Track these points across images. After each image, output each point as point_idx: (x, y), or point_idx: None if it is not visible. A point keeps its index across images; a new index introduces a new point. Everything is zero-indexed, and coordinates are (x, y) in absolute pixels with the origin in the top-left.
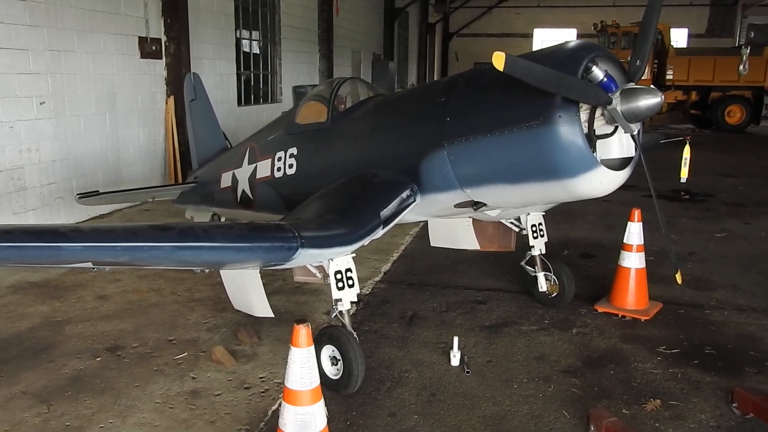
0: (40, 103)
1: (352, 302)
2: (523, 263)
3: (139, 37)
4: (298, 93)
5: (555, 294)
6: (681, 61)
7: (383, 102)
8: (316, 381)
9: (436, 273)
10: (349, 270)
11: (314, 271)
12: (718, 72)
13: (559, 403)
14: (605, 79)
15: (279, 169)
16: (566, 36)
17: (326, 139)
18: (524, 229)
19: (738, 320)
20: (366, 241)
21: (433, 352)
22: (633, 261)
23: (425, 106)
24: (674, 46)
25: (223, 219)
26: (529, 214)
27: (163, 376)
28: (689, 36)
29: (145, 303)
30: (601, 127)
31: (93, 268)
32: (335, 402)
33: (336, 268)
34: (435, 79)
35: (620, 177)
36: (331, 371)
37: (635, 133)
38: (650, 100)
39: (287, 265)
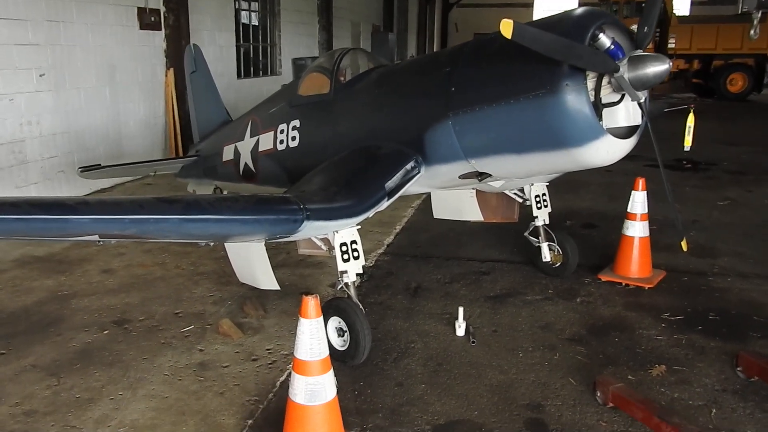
0: (40, 75)
1: (357, 274)
2: (526, 234)
3: (138, 8)
4: (298, 65)
5: (558, 264)
6: (683, 29)
7: (386, 73)
8: (326, 351)
9: (439, 245)
10: (354, 242)
11: (319, 243)
12: (721, 40)
13: (565, 370)
14: (612, 47)
15: (282, 141)
16: (568, 4)
17: (329, 111)
18: (528, 200)
19: (741, 286)
20: (371, 213)
21: (438, 323)
22: (637, 230)
23: (429, 77)
24: (676, 14)
25: (225, 192)
26: (533, 184)
27: (171, 348)
28: (692, 3)
29: (151, 277)
30: (607, 95)
31: (99, 241)
32: (342, 373)
33: (341, 240)
34: (434, 51)
35: (627, 145)
36: (338, 342)
37: (642, 101)
38: (658, 67)
39: (292, 238)
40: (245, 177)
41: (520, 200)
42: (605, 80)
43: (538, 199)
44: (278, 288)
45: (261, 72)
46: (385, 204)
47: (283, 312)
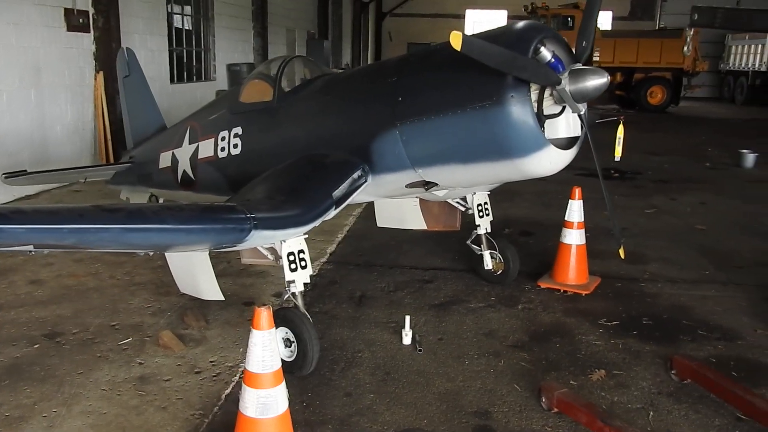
0: None
1: (305, 284)
2: (468, 242)
3: (65, 9)
4: (233, 71)
5: (500, 272)
6: (607, 43)
7: (332, 81)
8: (278, 363)
9: (382, 253)
10: (301, 251)
11: (265, 252)
12: (642, 54)
13: (510, 377)
14: (552, 60)
15: (223, 149)
16: (497, 17)
17: (273, 119)
18: (470, 209)
19: (671, 291)
20: (318, 222)
21: (384, 332)
22: (574, 237)
23: (376, 86)
24: (600, 29)
25: (161, 200)
26: (475, 193)
27: (108, 362)
28: (613, 18)
29: (83, 288)
30: (549, 107)
31: (31, 252)
32: (290, 384)
33: (288, 249)
34: (368, 59)
35: (567, 156)
36: (285, 353)
37: (582, 113)
38: (597, 80)
39: (238, 247)
40: (183, 184)
41: (463, 209)
42: (547, 92)
43: (480, 207)
44: (222, 299)
45: (195, 77)
46: (332, 213)
47: (225, 323)
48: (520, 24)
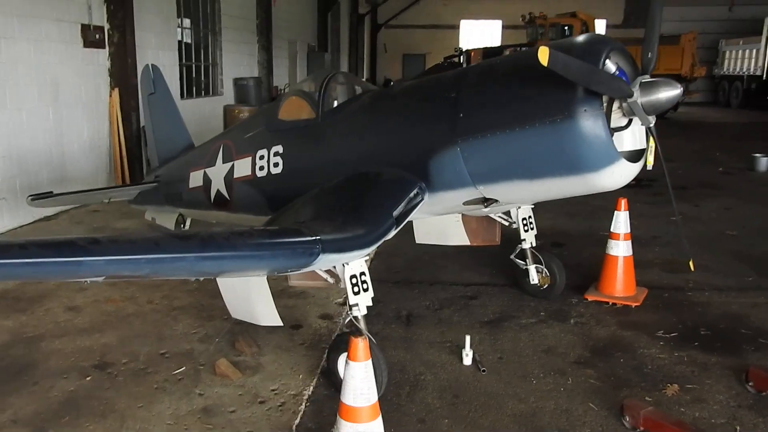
0: None
1: (367, 306)
2: (512, 256)
3: (82, 25)
4: (240, 86)
5: (546, 286)
6: None
7: (381, 97)
8: (375, 396)
9: (417, 269)
10: (363, 273)
11: (323, 275)
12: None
13: (582, 395)
14: (617, 72)
15: (262, 168)
16: (492, 29)
17: (317, 136)
18: (514, 223)
19: (720, 300)
20: (380, 243)
21: (441, 352)
22: (621, 249)
23: (433, 102)
24: None
25: (188, 220)
26: (519, 207)
27: (167, 393)
28: (607, 26)
29: (123, 313)
30: (616, 119)
31: (99, 282)
32: None
33: (351, 272)
34: (364, 70)
35: (636, 168)
36: None
37: (652, 125)
38: (670, 92)
39: (302, 271)
40: (216, 204)
41: (506, 223)
42: (615, 105)
43: (524, 221)
44: (281, 324)
45: (203, 92)
46: (392, 233)
47: (277, 347)
48: (585, 37)
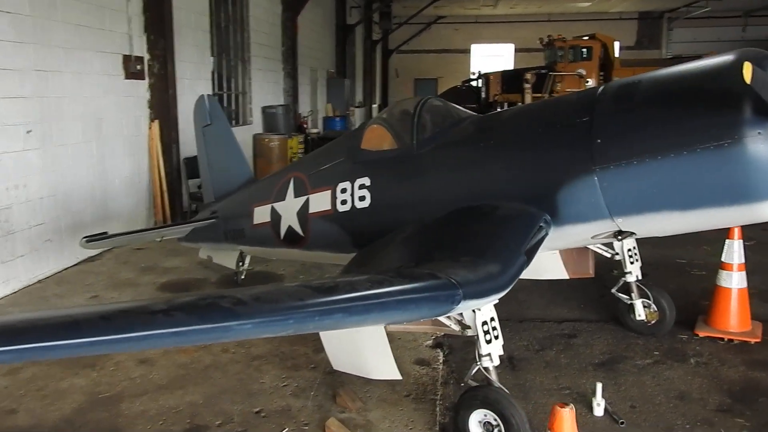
0: (27, 132)
1: (499, 356)
2: (614, 290)
3: (124, 56)
4: (268, 114)
5: (654, 321)
6: (626, 72)
7: (488, 124)
8: None
9: (499, 306)
10: (492, 319)
11: (448, 322)
12: None
13: None
14: None
15: (344, 201)
16: (504, 51)
17: (413, 167)
18: (617, 254)
19: None
20: (513, 285)
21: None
22: (734, 281)
23: (559, 128)
24: (619, 58)
25: (248, 258)
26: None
27: None
28: (620, 48)
29: (200, 365)
30: None
31: None
32: None
33: (482, 318)
34: (377, 95)
35: None
36: None
37: None
38: None
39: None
40: (288, 241)
41: (608, 255)
42: None
43: (630, 252)
44: (400, 377)
45: (233, 121)
46: (523, 272)
47: (382, 401)
48: (745, 51)
